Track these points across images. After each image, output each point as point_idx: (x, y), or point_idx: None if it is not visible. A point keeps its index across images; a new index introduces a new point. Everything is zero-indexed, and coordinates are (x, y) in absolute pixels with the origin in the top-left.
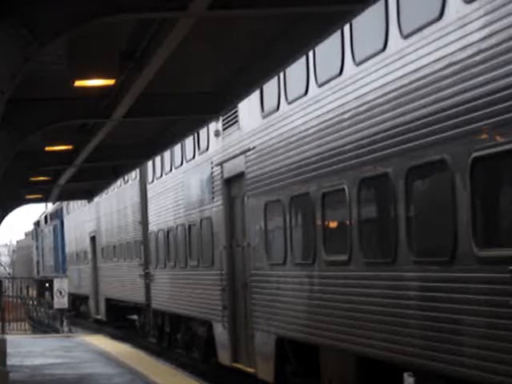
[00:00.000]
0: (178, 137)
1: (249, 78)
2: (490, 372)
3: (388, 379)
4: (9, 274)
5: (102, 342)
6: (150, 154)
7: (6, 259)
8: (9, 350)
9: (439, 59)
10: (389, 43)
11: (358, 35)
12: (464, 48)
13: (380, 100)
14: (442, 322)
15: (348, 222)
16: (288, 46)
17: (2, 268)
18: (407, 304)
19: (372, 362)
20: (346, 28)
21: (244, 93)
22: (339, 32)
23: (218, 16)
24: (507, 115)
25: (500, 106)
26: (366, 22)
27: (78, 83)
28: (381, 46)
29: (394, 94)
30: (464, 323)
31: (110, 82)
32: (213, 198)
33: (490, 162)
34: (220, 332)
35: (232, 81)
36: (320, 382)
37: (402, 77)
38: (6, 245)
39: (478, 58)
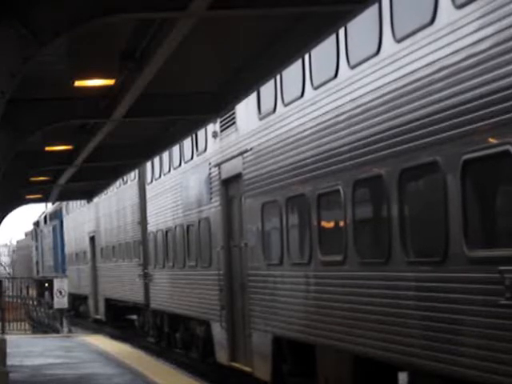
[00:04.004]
0: (178, 137)
1: (249, 78)
2: (482, 370)
3: (384, 378)
4: (9, 273)
5: (101, 342)
6: (150, 154)
7: (6, 259)
8: (9, 350)
9: (431, 63)
10: (382, 47)
11: (352, 39)
12: (454, 52)
13: (374, 103)
14: (434, 321)
15: (343, 223)
16: (288, 46)
17: (2, 268)
18: (400, 303)
19: (368, 361)
20: (341, 32)
21: (244, 93)
22: (334, 35)
23: (218, 16)
24: (495, 119)
25: (489, 109)
26: (361, 26)
27: (77, 83)
28: (375, 49)
29: (388, 97)
30: (456, 322)
31: (110, 82)
32: (211, 198)
33: (480, 165)
34: (218, 332)
35: (232, 81)
36: (316, 381)
37: (395, 80)
38: (6, 245)
39: (467, 62)
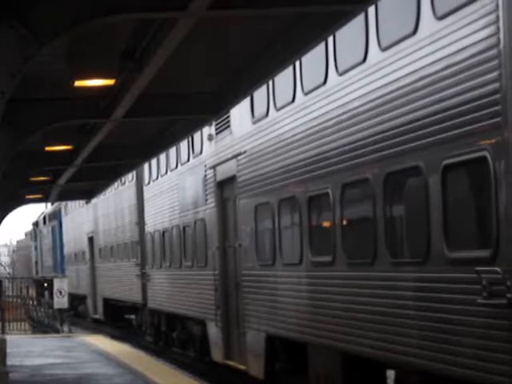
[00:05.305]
0: (178, 137)
1: (249, 78)
2: (460, 366)
3: (372, 375)
4: (9, 273)
5: (101, 342)
6: (150, 155)
7: (5, 259)
8: (9, 350)
9: (413, 71)
10: (369, 55)
11: (341, 47)
12: (436, 62)
13: (360, 109)
14: (419, 319)
15: (332, 225)
16: (288, 46)
17: (2, 268)
18: (386, 303)
19: (357, 358)
20: (330, 40)
21: (244, 93)
22: (324, 44)
23: (218, 16)
24: (474, 126)
25: (468, 117)
26: (348, 35)
27: (77, 83)
28: (361, 57)
29: (373, 103)
30: (439, 321)
31: (110, 82)
32: (206, 200)
33: (459, 169)
34: (213, 331)
35: (232, 81)
36: (308, 379)
37: (380, 87)
38: (6, 245)
39: (448, 71)
